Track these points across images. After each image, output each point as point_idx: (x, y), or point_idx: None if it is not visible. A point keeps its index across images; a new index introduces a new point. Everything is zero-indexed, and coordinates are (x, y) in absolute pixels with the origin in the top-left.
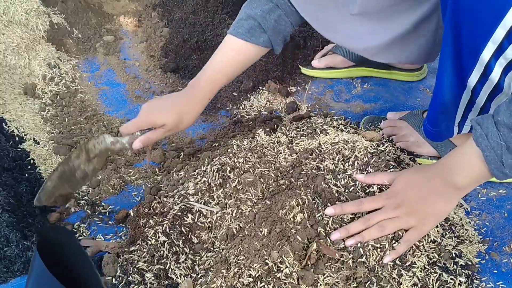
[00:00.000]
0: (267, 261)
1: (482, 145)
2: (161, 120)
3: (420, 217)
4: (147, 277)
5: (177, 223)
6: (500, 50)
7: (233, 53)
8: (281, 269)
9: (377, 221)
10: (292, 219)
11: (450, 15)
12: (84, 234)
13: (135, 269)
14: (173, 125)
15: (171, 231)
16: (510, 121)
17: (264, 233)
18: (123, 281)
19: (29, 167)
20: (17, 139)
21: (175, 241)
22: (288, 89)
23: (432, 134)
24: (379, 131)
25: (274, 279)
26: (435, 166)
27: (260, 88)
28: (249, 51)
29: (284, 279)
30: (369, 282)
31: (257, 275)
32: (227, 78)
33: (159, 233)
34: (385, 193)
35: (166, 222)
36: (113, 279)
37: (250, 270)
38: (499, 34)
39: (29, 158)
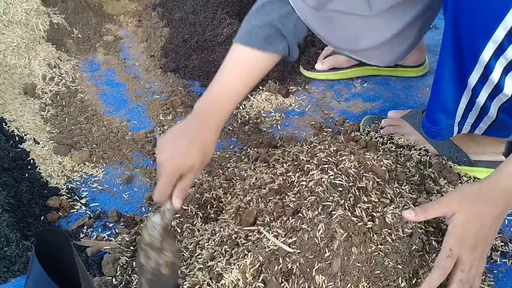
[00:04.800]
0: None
1: None
2: (188, 165)
3: (486, 247)
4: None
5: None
6: (500, 50)
7: (245, 65)
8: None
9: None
10: None
11: (450, 15)
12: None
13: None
14: (200, 163)
15: None
16: None
17: None
18: (123, 281)
19: (29, 167)
20: (17, 139)
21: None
22: (288, 89)
23: (431, 132)
24: (379, 131)
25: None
26: (497, 192)
27: (260, 88)
28: (264, 61)
29: None
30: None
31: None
32: (240, 95)
33: None
34: (453, 241)
35: None
36: (113, 279)
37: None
38: (500, 33)
39: (29, 158)
